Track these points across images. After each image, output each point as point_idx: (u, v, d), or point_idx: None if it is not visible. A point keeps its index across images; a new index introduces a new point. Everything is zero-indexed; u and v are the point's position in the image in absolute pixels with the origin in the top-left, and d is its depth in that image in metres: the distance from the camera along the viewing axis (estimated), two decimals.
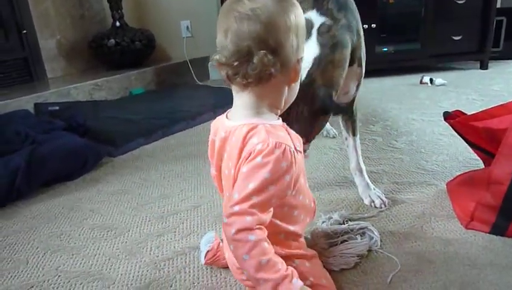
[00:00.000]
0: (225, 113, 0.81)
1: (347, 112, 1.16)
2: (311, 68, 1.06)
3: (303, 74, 1.04)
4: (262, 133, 0.71)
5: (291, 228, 0.82)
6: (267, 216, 0.71)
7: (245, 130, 0.72)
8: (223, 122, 0.80)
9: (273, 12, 0.68)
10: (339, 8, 1.13)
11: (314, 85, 1.04)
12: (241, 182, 0.71)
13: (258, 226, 0.69)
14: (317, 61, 1.07)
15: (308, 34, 1.08)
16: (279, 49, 0.69)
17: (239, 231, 0.68)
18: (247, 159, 0.71)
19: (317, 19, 1.11)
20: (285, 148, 0.70)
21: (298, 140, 0.78)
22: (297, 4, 0.74)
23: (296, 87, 0.81)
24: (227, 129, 0.77)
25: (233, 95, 0.78)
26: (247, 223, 0.68)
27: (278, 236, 0.80)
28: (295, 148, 0.74)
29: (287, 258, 0.81)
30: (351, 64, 1.15)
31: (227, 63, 0.70)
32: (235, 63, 0.69)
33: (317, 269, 0.86)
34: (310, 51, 1.06)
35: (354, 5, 1.20)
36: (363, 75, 1.23)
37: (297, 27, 0.72)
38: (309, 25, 1.09)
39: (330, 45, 1.08)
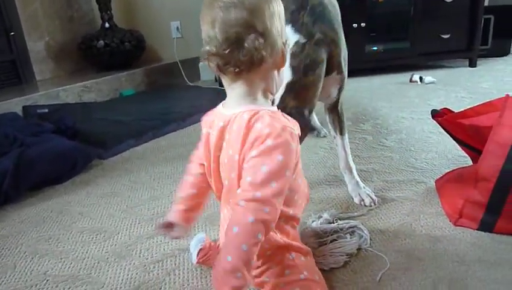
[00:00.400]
0: (219, 105, 0.81)
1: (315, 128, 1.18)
2: (284, 93, 1.07)
3: (276, 99, 1.06)
4: (266, 118, 0.72)
5: (291, 211, 0.83)
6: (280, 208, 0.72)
7: (247, 116, 0.73)
8: (219, 112, 0.79)
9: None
10: (315, 20, 1.12)
11: (287, 108, 1.05)
12: (253, 167, 0.70)
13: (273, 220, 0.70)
14: (290, 86, 1.08)
15: None
16: (266, 33, 0.71)
17: (257, 221, 0.68)
18: (253, 144, 0.71)
19: (291, 37, 1.10)
20: (291, 131, 0.72)
21: (296, 124, 0.79)
22: None
23: (283, 71, 0.82)
24: (226, 118, 0.77)
25: (226, 88, 0.78)
26: (265, 214, 0.69)
27: (279, 221, 0.80)
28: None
29: (285, 249, 0.82)
30: (329, 73, 1.16)
31: (218, 52, 0.71)
32: (226, 51, 0.70)
33: (312, 265, 0.86)
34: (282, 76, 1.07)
35: (334, 12, 1.20)
36: (346, 78, 1.24)
37: (280, 12, 0.74)
38: None
39: (303, 66, 1.09)
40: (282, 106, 1.04)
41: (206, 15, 0.72)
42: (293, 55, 1.09)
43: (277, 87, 0.81)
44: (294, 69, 1.08)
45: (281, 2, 0.76)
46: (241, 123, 0.73)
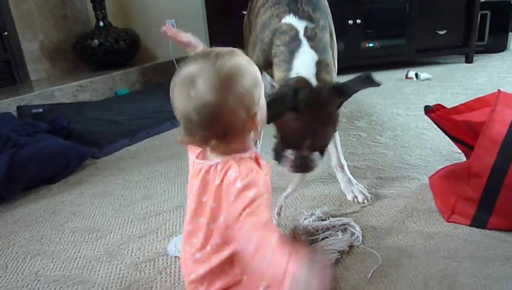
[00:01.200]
0: (195, 150, 0.81)
1: None
2: (317, 72, 1.04)
3: (311, 78, 1.02)
4: (234, 166, 0.73)
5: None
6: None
7: (219, 167, 0.74)
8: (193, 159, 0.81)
9: (215, 104, 0.67)
10: (314, 8, 1.13)
11: (327, 83, 1.03)
12: (232, 212, 0.71)
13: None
14: (319, 64, 1.06)
15: (298, 42, 1.08)
16: (229, 129, 0.71)
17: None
18: (227, 191, 0.72)
19: (298, 24, 1.10)
20: (256, 172, 0.73)
21: (266, 167, 0.79)
22: (240, 64, 0.70)
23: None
24: (206, 167, 0.77)
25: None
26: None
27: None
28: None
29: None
30: None
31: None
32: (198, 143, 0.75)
33: None
34: (308, 57, 1.06)
35: (326, 5, 1.20)
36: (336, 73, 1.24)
37: (247, 92, 0.70)
38: (293, 31, 1.09)
39: (321, 49, 1.08)
40: (321, 83, 1.03)
41: (174, 105, 0.71)
42: (310, 38, 1.09)
43: (254, 138, 0.79)
44: (315, 49, 1.08)
45: (247, 69, 0.71)
46: (215, 174, 0.75)
